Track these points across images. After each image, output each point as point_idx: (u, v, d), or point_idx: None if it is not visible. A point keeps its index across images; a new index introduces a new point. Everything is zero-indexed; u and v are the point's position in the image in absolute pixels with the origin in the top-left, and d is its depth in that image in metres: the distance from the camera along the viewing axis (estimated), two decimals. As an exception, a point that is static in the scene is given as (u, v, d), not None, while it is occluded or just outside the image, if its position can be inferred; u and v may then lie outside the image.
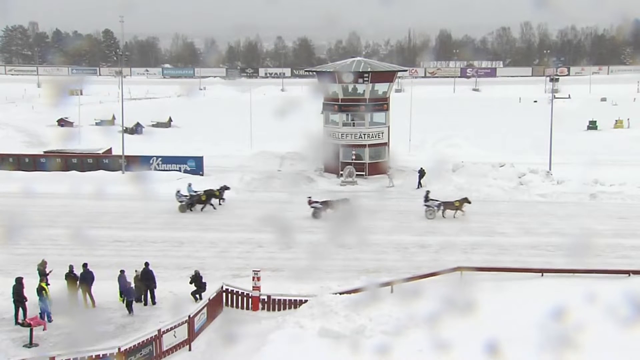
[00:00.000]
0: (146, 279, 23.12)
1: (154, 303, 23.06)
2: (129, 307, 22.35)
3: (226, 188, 37.86)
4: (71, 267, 23.00)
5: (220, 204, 37.22)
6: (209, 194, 36.80)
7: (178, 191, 36.96)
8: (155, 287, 23.22)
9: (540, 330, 17.80)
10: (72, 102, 75.65)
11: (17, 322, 20.93)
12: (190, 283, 23.34)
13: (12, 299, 21.51)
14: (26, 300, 21.33)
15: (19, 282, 21.60)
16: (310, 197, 36.02)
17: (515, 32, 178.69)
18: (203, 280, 23.42)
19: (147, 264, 23.45)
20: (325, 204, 35.27)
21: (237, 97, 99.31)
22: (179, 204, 36.48)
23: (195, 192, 37.12)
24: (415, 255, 29.01)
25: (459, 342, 17.71)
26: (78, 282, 22.90)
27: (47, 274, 22.62)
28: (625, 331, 18.36)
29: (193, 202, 36.50)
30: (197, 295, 23.12)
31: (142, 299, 23.10)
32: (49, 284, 21.92)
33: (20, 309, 21.36)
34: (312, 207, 35.19)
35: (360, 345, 18.95)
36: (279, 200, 38.69)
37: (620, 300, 19.12)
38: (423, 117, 61.18)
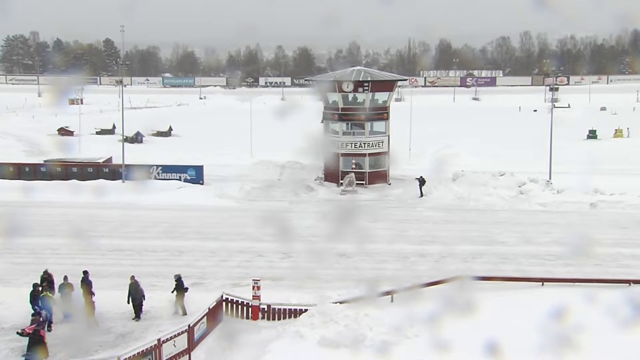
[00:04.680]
0: (133, 291, 22.47)
1: (138, 317, 22.49)
2: None
3: None
4: (66, 277, 22.67)
5: None
6: None
7: None
8: (141, 301, 22.59)
9: (540, 334, 17.75)
10: (72, 111, 75.86)
11: (17, 332, 20.87)
12: (173, 292, 23.07)
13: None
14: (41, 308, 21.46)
15: (35, 287, 21.95)
16: None
17: (514, 41, 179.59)
18: (185, 286, 23.18)
19: (132, 277, 22.76)
20: None
21: (237, 106, 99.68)
22: None
23: None
24: (416, 264, 28.97)
25: (460, 351, 17.66)
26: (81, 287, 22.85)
27: (42, 285, 22.49)
28: (624, 335, 18.38)
29: None
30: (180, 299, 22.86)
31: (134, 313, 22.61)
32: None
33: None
34: None
35: (360, 354, 18.89)
36: (280, 209, 38.69)
37: (620, 306, 19.10)
38: (423, 126, 61.27)
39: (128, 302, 22.47)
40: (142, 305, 22.76)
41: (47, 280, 22.78)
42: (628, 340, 18.64)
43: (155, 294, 23.53)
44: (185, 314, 22.67)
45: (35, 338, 18.98)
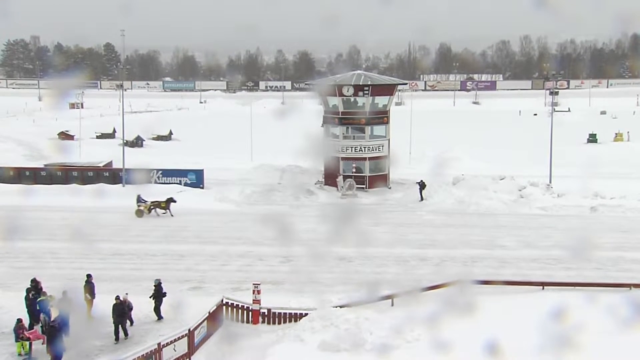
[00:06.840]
0: (118, 313, 21.59)
1: (125, 336, 21.66)
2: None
3: None
4: (65, 292, 21.78)
5: None
6: None
7: None
8: (125, 322, 21.71)
9: (540, 338, 17.73)
10: (73, 115, 75.94)
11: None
12: (151, 297, 22.76)
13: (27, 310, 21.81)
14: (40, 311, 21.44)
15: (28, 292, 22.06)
16: None
17: (515, 45, 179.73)
18: (164, 291, 22.84)
19: (117, 297, 21.85)
20: None
21: (237, 110, 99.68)
22: None
23: None
24: (416, 268, 28.96)
25: (460, 354, 17.64)
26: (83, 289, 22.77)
27: (31, 292, 22.40)
28: (624, 337, 18.41)
29: None
30: (159, 310, 22.64)
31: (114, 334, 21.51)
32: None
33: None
34: None
35: (360, 358, 18.87)
36: (280, 212, 38.66)
37: (620, 309, 19.09)
38: (423, 130, 61.31)
39: (113, 323, 21.41)
40: (131, 321, 22.16)
41: (35, 288, 22.53)
42: (628, 342, 18.64)
43: (155, 298, 23.46)
44: (160, 319, 22.55)
45: (52, 333, 19.30)
